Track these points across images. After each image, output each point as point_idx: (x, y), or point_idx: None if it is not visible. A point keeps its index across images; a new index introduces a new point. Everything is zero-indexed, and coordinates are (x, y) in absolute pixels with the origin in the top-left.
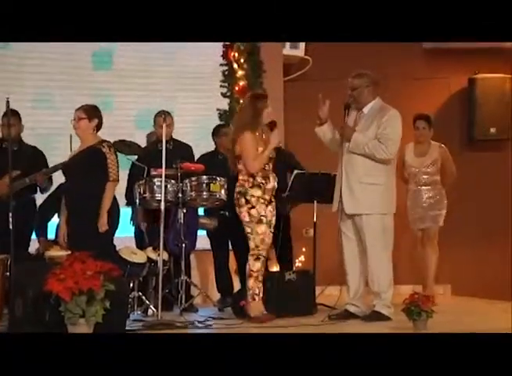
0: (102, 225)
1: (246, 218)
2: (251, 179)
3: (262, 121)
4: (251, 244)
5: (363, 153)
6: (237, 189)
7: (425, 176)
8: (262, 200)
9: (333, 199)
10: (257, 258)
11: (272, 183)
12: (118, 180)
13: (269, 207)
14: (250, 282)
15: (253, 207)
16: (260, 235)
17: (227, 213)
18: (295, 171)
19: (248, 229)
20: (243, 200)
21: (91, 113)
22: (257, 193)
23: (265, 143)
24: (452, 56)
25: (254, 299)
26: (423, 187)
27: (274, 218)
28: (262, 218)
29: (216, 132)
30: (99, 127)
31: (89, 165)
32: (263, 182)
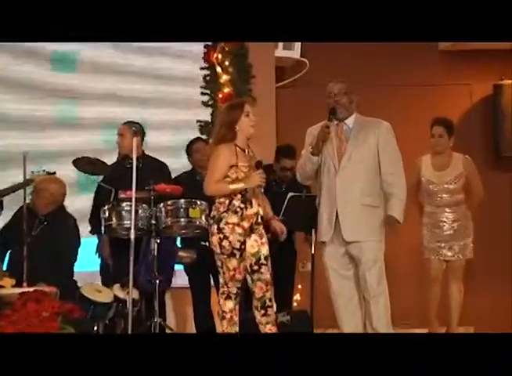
0: None
1: (217, 250)
2: (227, 202)
3: (242, 132)
4: (221, 280)
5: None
6: (211, 214)
7: (447, 195)
8: (239, 230)
9: (320, 226)
10: (228, 297)
11: (256, 208)
12: None
13: (252, 237)
14: (224, 325)
15: (225, 237)
16: (231, 271)
17: (208, 244)
18: (289, 194)
19: (219, 263)
20: (215, 228)
21: None
22: (233, 219)
23: (249, 160)
24: (474, 59)
25: None
26: (445, 209)
27: (263, 249)
28: (235, 252)
29: (188, 149)
30: None
31: None
32: (241, 206)
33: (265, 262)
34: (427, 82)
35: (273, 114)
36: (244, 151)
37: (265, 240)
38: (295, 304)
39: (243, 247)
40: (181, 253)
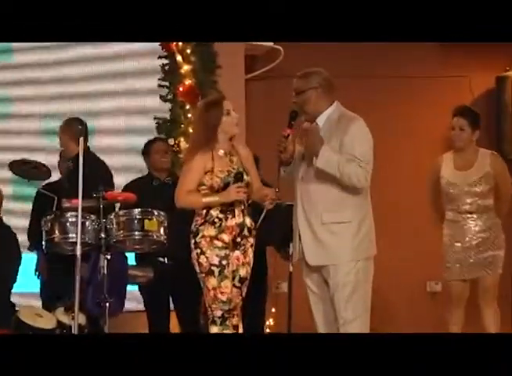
0: None
1: (196, 268)
2: (203, 213)
3: (225, 133)
4: (206, 303)
5: (334, 174)
6: (191, 227)
7: (471, 199)
8: (219, 244)
9: (291, 245)
10: (213, 322)
11: (240, 219)
12: None
13: (235, 254)
14: None
15: (202, 252)
16: (210, 291)
17: (166, 260)
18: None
19: (201, 283)
20: (192, 243)
21: None
22: (210, 232)
23: (229, 165)
24: (475, 49)
25: None
26: (470, 215)
27: (241, 270)
28: (213, 269)
29: (146, 150)
30: None
31: None
32: (220, 216)
33: (238, 284)
34: (422, 74)
35: (242, 110)
36: (226, 154)
37: (248, 259)
38: (268, 330)
39: (223, 262)
40: (135, 271)
